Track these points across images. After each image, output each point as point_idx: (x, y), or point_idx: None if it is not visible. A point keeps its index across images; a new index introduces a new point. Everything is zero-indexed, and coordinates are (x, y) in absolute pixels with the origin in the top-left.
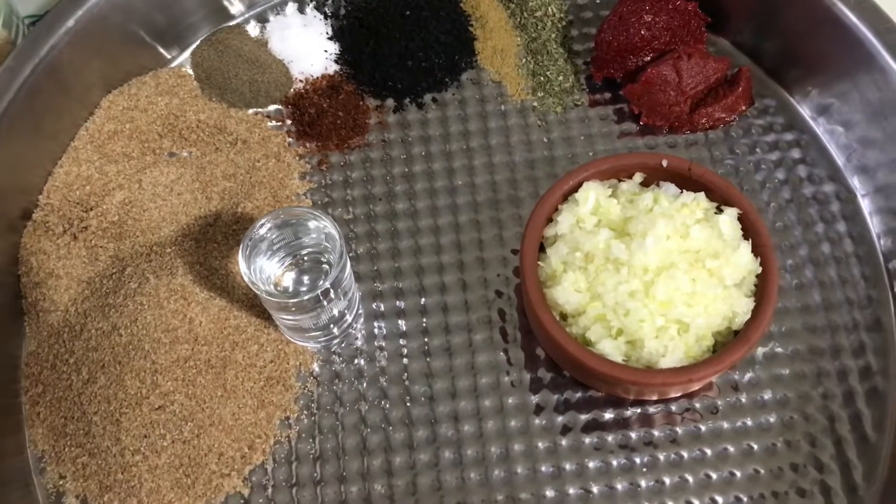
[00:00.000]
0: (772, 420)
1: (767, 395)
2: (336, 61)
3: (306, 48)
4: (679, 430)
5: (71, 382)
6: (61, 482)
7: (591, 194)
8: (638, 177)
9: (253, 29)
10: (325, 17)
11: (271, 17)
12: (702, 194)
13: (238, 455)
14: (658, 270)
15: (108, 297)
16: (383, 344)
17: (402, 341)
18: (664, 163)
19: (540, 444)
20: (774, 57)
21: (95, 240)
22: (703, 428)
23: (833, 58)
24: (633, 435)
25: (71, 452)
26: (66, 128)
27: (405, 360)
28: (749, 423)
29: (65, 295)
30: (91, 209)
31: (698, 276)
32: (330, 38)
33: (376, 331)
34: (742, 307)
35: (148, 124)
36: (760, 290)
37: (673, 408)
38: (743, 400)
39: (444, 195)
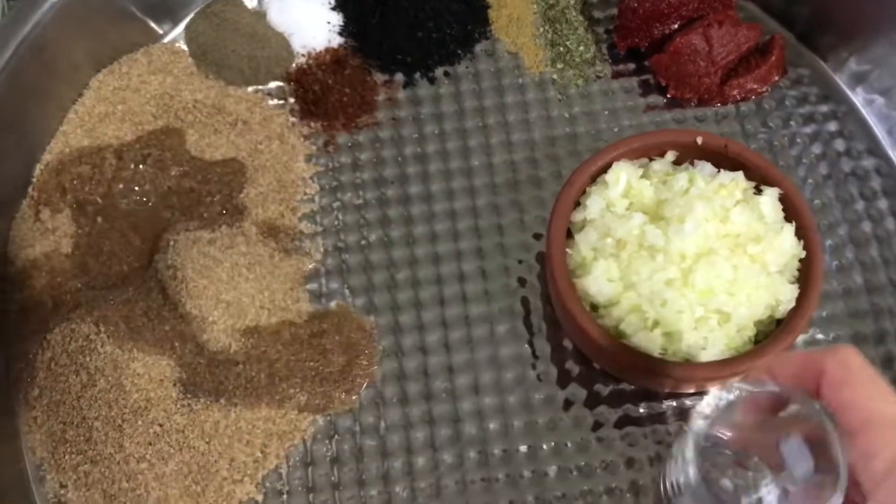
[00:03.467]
0: None
1: None
2: (340, 33)
3: (307, 20)
4: None
5: (69, 385)
6: (62, 491)
7: (622, 175)
8: (670, 155)
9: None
10: None
11: None
12: (740, 174)
13: (250, 460)
14: (696, 257)
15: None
16: (400, 338)
17: (420, 334)
18: (699, 140)
19: (569, 442)
20: (806, 22)
21: (91, 225)
22: None
23: (870, 20)
24: (670, 429)
25: (72, 460)
26: (53, 111)
27: (424, 355)
28: None
29: (59, 287)
30: (85, 193)
31: (740, 263)
32: (333, 9)
33: (393, 323)
34: (786, 295)
35: (141, 105)
36: (804, 275)
37: None
38: None
39: (461, 177)
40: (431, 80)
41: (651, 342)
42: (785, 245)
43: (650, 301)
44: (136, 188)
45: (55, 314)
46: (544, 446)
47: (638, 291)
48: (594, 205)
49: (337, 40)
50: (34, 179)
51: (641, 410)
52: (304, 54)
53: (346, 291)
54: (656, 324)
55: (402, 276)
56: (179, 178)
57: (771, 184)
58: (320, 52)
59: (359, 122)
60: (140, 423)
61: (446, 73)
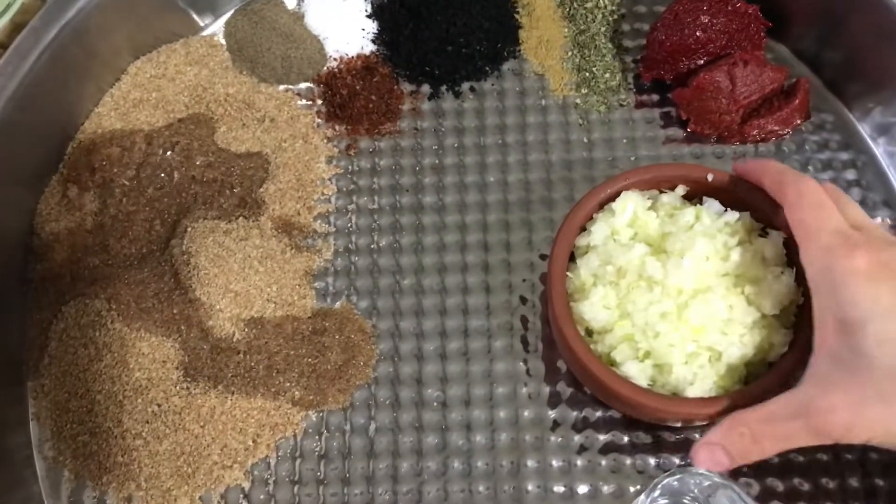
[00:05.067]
0: (801, 458)
1: None
2: (373, 41)
3: (343, 25)
4: None
5: (77, 357)
6: (61, 458)
7: (630, 205)
8: (680, 189)
9: (290, 1)
10: None
11: None
12: (747, 214)
13: (242, 447)
14: (693, 293)
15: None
16: (399, 343)
17: (419, 341)
18: (709, 177)
19: (554, 462)
20: (836, 69)
21: (116, 205)
22: None
23: None
24: (652, 461)
25: (72, 430)
26: (90, 93)
27: (420, 362)
28: (774, 458)
29: (79, 262)
30: (113, 174)
31: (735, 303)
32: (368, 17)
33: (394, 328)
34: (779, 339)
35: (175, 94)
36: (801, 321)
37: (697, 436)
38: None
39: (475, 191)
40: (457, 94)
41: (641, 372)
42: (783, 289)
43: (643, 332)
44: (163, 174)
45: (72, 288)
46: (528, 464)
47: (633, 321)
48: (599, 231)
49: (369, 47)
50: (66, 157)
51: (627, 439)
52: (336, 58)
53: (352, 292)
54: (647, 355)
55: (408, 283)
56: (204, 168)
57: (778, 227)
58: (352, 57)
59: (382, 129)
60: (140, 401)
61: (472, 89)
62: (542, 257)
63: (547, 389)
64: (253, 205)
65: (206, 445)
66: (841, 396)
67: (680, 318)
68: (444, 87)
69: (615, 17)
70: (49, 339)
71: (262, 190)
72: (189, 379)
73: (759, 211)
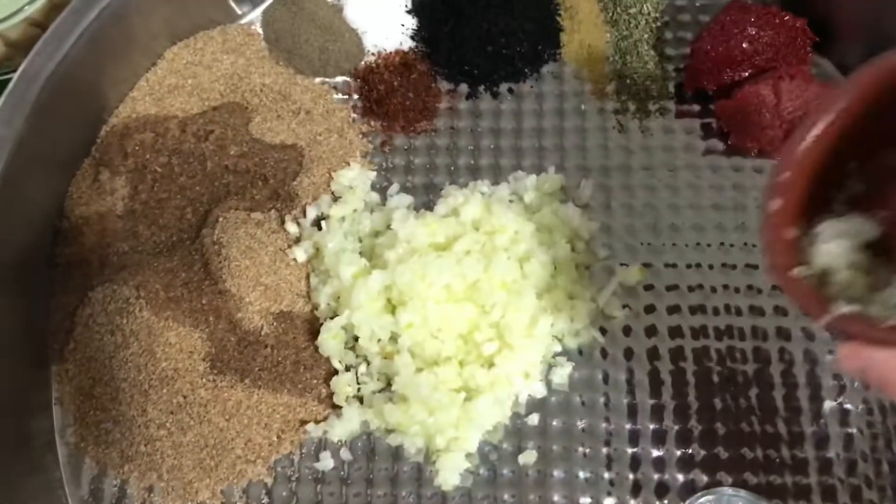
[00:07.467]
0: (838, 482)
1: (831, 454)
2: (412, 37)
3: (383, 20)
4: None
5: (103, 344)
6: (82, 445)
7: None
8: None
9: None
10: None
11: None
12: None
13: (266, 443)
14: None
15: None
16: None
17: None
18: None
19: None
20: None
21: (147, 191)
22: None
23: None
24: None
25: (95, 416)
26: (125, 77)
27: None
28: (812, 481)
29: (107, 247)
30: (145, 160)
31: None
32: (408, 12)
33: None
34: None
35: (210, 82)
36: None
37: None
38: (808, 455)
39: None
40: (495, 95)
41: None
42: None
43: None
44: (196, 162)
45: (100, 273)
46: None
47: None
48: None
49: (408, 44)
50: (99, 140)
51: None
52: (374, 53)
53: None
54: None
55: None
56: (238, 158)
57: None
58: (390, 53)
59: (417, 127)
60: (165, 391)
61: (510, 90)
62: None
63: None
64: (286, 197)
65: (230, 439)
66: None
67: None
68: (482, 88)
69: (658, 24)
70: (75, 324)
71: (295, 183)
72: (216, 371)
73: None
